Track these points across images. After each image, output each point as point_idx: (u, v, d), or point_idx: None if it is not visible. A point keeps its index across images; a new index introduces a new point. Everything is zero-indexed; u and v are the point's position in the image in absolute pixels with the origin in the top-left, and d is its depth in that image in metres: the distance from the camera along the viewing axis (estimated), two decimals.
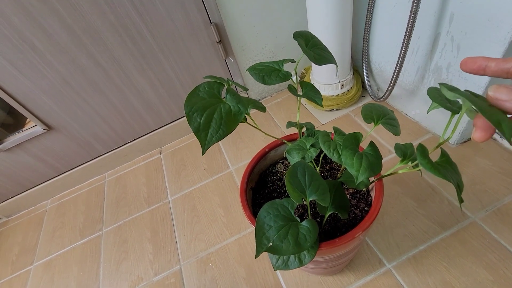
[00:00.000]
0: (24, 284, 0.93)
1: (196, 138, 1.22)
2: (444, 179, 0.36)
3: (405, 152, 0.46)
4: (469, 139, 0.86)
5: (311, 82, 1.14)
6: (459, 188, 0.39)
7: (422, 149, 0.40)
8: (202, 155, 0.36)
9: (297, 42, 0.48)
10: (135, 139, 1.18)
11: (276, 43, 1.13)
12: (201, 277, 0.78)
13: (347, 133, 0.50)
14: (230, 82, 0.43)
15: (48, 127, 1.00)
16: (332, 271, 0.67)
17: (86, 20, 0.83)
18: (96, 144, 1.12)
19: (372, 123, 0.47)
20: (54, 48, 0.84)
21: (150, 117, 1.14)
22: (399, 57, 0.79)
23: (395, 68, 0.82)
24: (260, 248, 0.39)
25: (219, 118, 0.36)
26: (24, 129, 1.00)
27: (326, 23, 0.87)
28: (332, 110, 1.11)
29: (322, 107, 1.07)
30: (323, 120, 1.09)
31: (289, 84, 0.53)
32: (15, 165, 1.05)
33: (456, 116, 0.38)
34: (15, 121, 1.09)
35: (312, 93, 0.53)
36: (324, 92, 1.08)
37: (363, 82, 1.11)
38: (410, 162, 0.46)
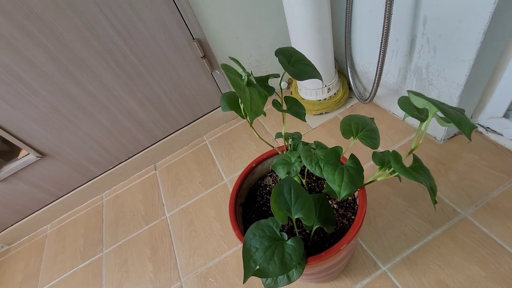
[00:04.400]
0: None
1: (189, 150, 1.23)
2: (417, 181, 0.38)
3: (382, 160, 0.47)
4: (455, 135, 0.87)
5: (298, 87, 1.15)
6: (432, 190, 0.40)
7: (395, 155, 0.41)
8: (250, 125, 0.42)
9: (278, 60, 0.50)
10: (129, 158, 1.19)
11: (260, 52, 1.14)
12: None
13: (328, 147, 0.51)
14: (251, 76, 0.46)
15: (42, 154, 1.01)
16: (327, 278, 0.68)
17: (70, 49, 0.84)
18: (90, 166, 1.14)
19: (352, 136, 0.48)
20: (41, 79, 0.86)
21: (142, 135, 1.15)
22: (378, 60, 0.80)
23: (377, 70, 0.84)
24: (247, 272, 0.40)
25: (254, 96, 0.42)
26: (18, 158, 1.01)
27: (306, 29, 0.88)
28: (321, 114, 1.13)
29: (305, 121, 1.08)
30: (313, 124, 1.10)
31: (273, 100, 0.55)
32: (12, 193, 1.06)
33: (425, 123, 0.39)
34: (10, 148, 1.10)
35: (296, 108, 0.54)
36: (311, 97, 1.10)
37: (349, 84, 1.12)
38: (387, 169, 0.47)
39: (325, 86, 1.05)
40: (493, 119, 0.80)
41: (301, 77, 0.50)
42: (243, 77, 0.45)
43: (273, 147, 0.62)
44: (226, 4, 0.96)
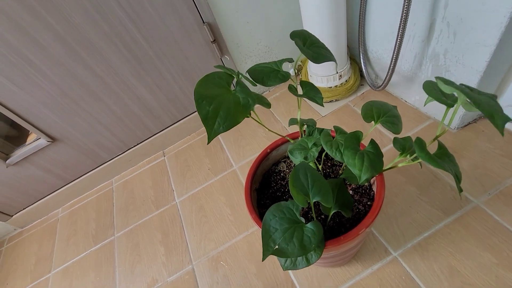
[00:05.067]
0: None
1: (198, 137, 1.23)
2: (443, 169, 0.37)
3: (403, 146, 0.47)
4: (469, 123, 0.86)
5: (309, 74, 1.13)
6: (458, 178, 0.40)
7: (420, 142, 0.41)
8: (208, 143, 0.38)
9: (295, 42, 0.49)
10: (138, 144, 1.20)
11: (270, 37, 1.12)
12: (214, 275, 0.81)
13: (348, 132, 0.50)
14: (240, 75, 0.44)
15: (52, 139, 1.01)
16: (340, 263, 0.69)
17: (79, 31, 0.83)
18: (100, 151, 1.14)
19: (372, 121, 0.47)
20: (50, 61, 0.85)
21: (150, 121, 1.15)
22: (395, 45, 0.79)
23: (392, 56, 0.82)
24: (266, 251, 0.41)
25: (228, 108, 0.38)
26: (28, 142, 1.02)
27: (320, 13, 0.86)
28: (331, 101, 1.11)
29: (323, 106, 1.06)
30: (323, 112, 1.09)
31: (289, 85, 0.54)
32: (24, 178, 1.08)
33: (452, 108, 0.39)
34: (19, 133, 1.11)
35: (312, 93, 0.53)
36: (322, 84, 1.08)
37: (361, 71, 1.10)
38: (409, 155, 0.46)
39: (337, 72, 1.04)
40: (510, 107, 0.79)
41: (319, 60, 0.49)
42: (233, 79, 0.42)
43: (284, 136, 0.62)
44: None
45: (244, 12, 1.00)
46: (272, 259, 0.78)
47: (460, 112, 0.81)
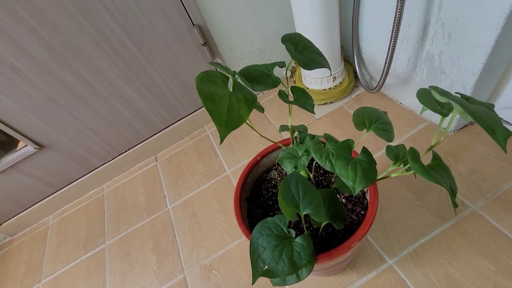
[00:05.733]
0: None
1: (190, 141, 1.20)
2: (437, 183, 0.35)
3: (397, 155, 0.45)
4: (465, 125, 0.85)
5: (302, 76, 1.11)
6: (453, 192, 0.38)
7: (413, 152, 0.39)
8: (221, 143, 0.36)
9: (285, 47, 0.47)
10: (129, 149, 1.17)
11: (263, 39, 1.10)
12: (206, 285, 0.79)
13: (339, 140, 0.48)
14: (236, 76, 0.42)
15: (40, 146, 0.98)
16: (334, 273, 0.67)
17: (64, 36, 0.80)
18: (90, 157, 1.12)
19: (364, 129, 0.45)
20: (35, 67, 0.82)
21: (142, 126, 1.12)
22: (389, 47, 0.77)
23: (386, 58, 0.80)
24: (256, 272, 0.39)
25: (233, 106, 0.36)
26: (16, 149, 0.99)
27: (312, 14, 0.84)
28: (325, 103, 1.09)
29: (314, 113, 1.05)
30: (317, 115, 1.07)
31: (279, 90, 0.52)
32: (12, 185, 1.05)
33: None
34: (8, 139, 1.08)
35: (303, 99, 0.51)
36: (316, 86, 1.06)
37: (355, 73, 1.08)
38: (402, 165, 0.45)
39: (331, 75, 1.02)
40: (507, 109, 0.77)
41: (310, 66, 0.47)
42: (228, 80, 0.40)
43: (275, 143, 0.60)
44: None
45: (235, 14, 0.98)
46: None
47: (456, 114, 0.79)
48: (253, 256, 0.40)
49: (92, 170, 1.16)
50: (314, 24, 0.86)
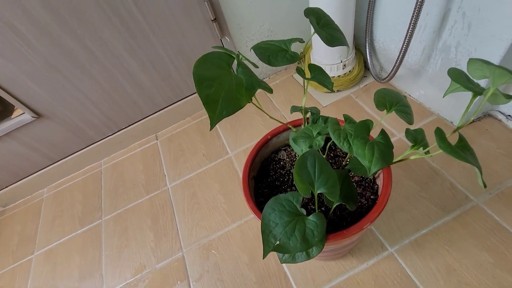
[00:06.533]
0: (26, 273, 0.93)
1: (193, 121, 1.18)
2: (467, 162, 0.35)
3: (415, 138, 0.44)
4: (473, 121, 0.84)
5: (311, 62, 1.09)
6: (480, 172, 0.37)
7: (440, 132, 0.38)
8: (211, 130, 0.34)
9: (309, 20, 0.45)
10: (129, 125, 1.14)
11: (274, 20, 1.06)
12: (204, 264, 0.79)
13: (357, 121, 0.47)
14: (241, 56, 0.39)
15: (37, 115, 0.95)
16: (335, 257, 0.67)
17: None
18: (88, 130, 1.08)
19: (384, 110, 0.44)
20: (36, 29, 0.78)
21: (143, 102, 1.09)
22: (406, 35, 0.75)
23: (402, 47, 0.78)
24: (267, 247, 0.38)
25: (230, 90, 0.34)
26: (12, 117, 0.95)
27: None
28: (333, 92, 1.08)
29: (333, 91, 1.03)
30: (324, 102, 1.06)
31: (297, 66, 0.50)
32: (7, 154, 1.02)
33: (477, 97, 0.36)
34: (2, 108, 1.04)
35: (322, 77, 0.49)
36: None
37: (365, 62, 1.07)
38: (421, 148, 0.44)
39: (341, 62, 1.00)
40: None
41: (333, 43, 0.45)
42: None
43: (285, 124, 0.58)
44: None
45: None
46: None
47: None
48: (265, 231, 0.39)
49: (90, 145, 1.13)
50: (330, 8, 0.84)
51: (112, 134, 1.13)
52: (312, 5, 0.88)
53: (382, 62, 1.02)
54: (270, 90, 0.51)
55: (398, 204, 0.75)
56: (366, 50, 1.02)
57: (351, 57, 1.01)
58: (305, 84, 0.53)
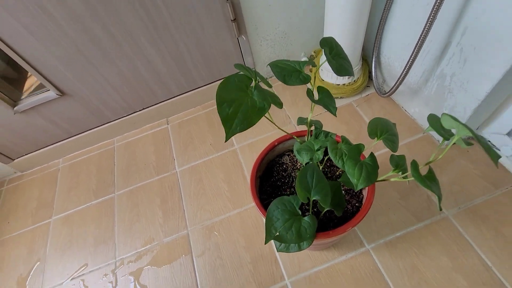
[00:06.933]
0: (45, 234, 1.04)
1: (203, 110, 1.26)
2: (430, 190, 0.44)
3: (398, 163, 0.53)
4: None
5: (320, 68, 1.16)
6: (440, 200, 0.47)
7: (415, 164, 0.47)
8: (226, 141, 0.42)
9: (323, 51, 0.53)
10: (143, 109, 1.22)
11: (289, 23, 1.12)
12: (206, 242, 0.90)
13: (350, 142, 0.56)
14: (258, 78, 0.47)
15: (61, 93, 1.02)
16: (320, 248, 0.79)
17: None
18: (105, 110, 1.16)
19: (376, 137, 0.53)
20: (69, 16, 0.84)
21: (158, 88, 1.16)
22: (410, 56, 0.82)
23: (405, 67, 0.85)
24: (269, 236, 0.48)
25: (245, 111, 0.42)
26: (37, 92, 1.02)
27: (345, 8, 0.85)
28: (336, 98, 1.15)
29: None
30: None
31: (308, 89, 0.58)
32: (29, 125, 1.10)
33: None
34: (18, 76, 1.09)
35: (327, 100, 0.58)
36: (331, 79, 1.11)
37: (369, 73, 1.14)
38: (400, 172, 0.53)
39: None
40: (496, 134, 0.86)
41: (341, 73, 0.53)
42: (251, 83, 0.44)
43: (290, 134, 0.67)
44: None
45: None
46: (261, 236, 0.88)
47: (456, 139, 0.88)
48: (268, 223, 0.49)
49: (106, 123, 1.21)
50: (345, 18, 0.88)
51: (126, 115, 1.21)
52: (327, 12, 0.93)
53: (385, 76, 1.09)
54: (280, 106, 0.59)
55: (379, 209, 0.86)
56: (372, 63, 1.08)
57: (357, 68, 1.08)
58: (312, 106, 0.61)
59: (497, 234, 0.76)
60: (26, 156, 1.21)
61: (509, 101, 0.78)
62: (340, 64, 0.54)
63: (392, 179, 0.52)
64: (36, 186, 1.19)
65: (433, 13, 0.68)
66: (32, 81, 1.05)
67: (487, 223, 0.78)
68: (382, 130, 0.54)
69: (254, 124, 0.43)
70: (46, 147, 1.21)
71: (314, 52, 1.27)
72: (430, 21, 0.71)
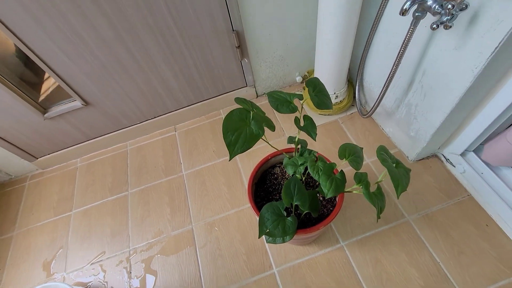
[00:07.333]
0: (67, 225, 1.19)
1: (207, 120, 1.41)
2: (374, 205, 0.61)
3: (360, 179, 0.70)
4: (423, 158, 1.11)
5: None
6: (381, 210, 0.64)
7: (366, 183, 0.64)
8: (230, 160, 0.58)
9: (308, 90, 0.69)
10: (155, 117, 1.37)
11: (286, 49, 1.28)
12: (208, 236, 1.06)
13: (327, 159, 0.73)
14: (254, 108, 0.63)
15: (86, 103, 1.17)
16: (303, 243, 0.96)
17: (128, 21, 0.97)
18: (122, 119, 1.32)
19: (344, 158, 0.70)
20: (99, 42, 0.99)
21: (169, 100, 1.32)
22: (383, 86, 0.98)
23: (380, 93, 1.02)
24: (261, 232, 0.64)
25: (245, 137, 0.59)
26: (65, 101, 1.17)
27: (331, 41, 1.01)
28: (324, 115, 1.32)
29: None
30: (316, 122, 1.30)
31: (295, 117, 0.74)
32: (55, 130, 1.25)
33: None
34: (38, 80, 1.22)
35: (310, 127, 0.74)
36: None
37: (354, 94, 1.31)
38: (362, 186, 0.70)
39: (334, 93, 1.24)
40: (452, 154, 1.04)
41: (321, 107, 0.69)
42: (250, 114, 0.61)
43: (280, 151, 0.83)
44: (268, 7, 1.08)
45: (269, 27, 1.15)
46: (254, 232, 1.04)
47: (417, 150, 1.05)
48: (261, 222, 0.65)
49: (121, 129, 1.36)
50: (332, 48, 1.04)
51: (139, 123, 1.37)
52: (318, 41, 1.09)
53: (367, 98, 1.26)
54: (273, 129, 0.76)
55: (354, 213, 1.03)
56: (356, 85, 1.26)
57: (343, 90, 1.25)
58: (298, 132, 0.77)
59: (447, 236, 0.94)
60: (48, 155, 1.36)
61: (461, 129, 0.95)
62: (321, 100, 0.70)
63: (354, 192, 0.69)
64: (57, 183, 1.34)
65: (399, 56, 0.85)
66: (57, 90, 1.19)
67: (439, 227, 0.95)
68: (349, 153, 0.70)
69: (251, 147, 0.59)
70: (66, 148, 1.36)
71: (308, 72, 1.44)
72: (397, 61, 0.87)
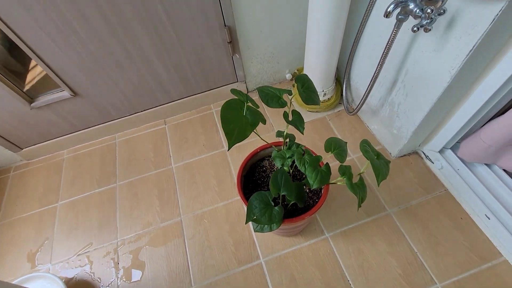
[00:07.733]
0: (53, 217, 1.18)
1: (197, 114, 1.41)
2: (354, 194, 0.65)
3: (344, 171, 0.74)
4: (404, 155, 1.17)
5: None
6: (362, 200, 0.67)
7: (349, 174, 0.68)
8: (228, 150, 0.60)
9: (296, 86, 0.72)
10: (144, 110, 1.37)
11: (277, 45, 1.31)
12: (197, 228, 1.08)
13: (313, 153, 0.76)
14: (249, 101, 0.65)
15: (75, 93, 1.16)
16: (289, 234, 0.99)
17: (122, 13, 0.97)
18: (111, 110, 1.31)
19: (329, 152, 0.73)
20: (91, 33, 0.99)
21: (160, 94, 1.32)
22: (369, 85, 1.03)
23: (365, 92, 1.07)
24: (249, 218, 0.67)
25: (242, 126, 0.61)
26: (53, 91, 1.16)
27: (323, 36, 1.03)
28: (312, 112, 1.36)
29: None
30: (305, 119, 1.34)
31: (284, 111, 0.77)
32: (42, 120, 1.23)
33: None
34: (24, 70, 1.19)
35: (298, 122, 0.77)
36: None
37: (341, 92, 1.35)
38: (345, 178, 0.74)
39: (323, 91, 1.28)
40: (431, 151, 1.10)
41: (308, 103, 0.72)
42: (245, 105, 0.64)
43: (270, 144, 0.86)
44: (260, 3, 1.10)
45: (260, 23, 1.18)
46: (242, 224, 1.06)
47: (399, 147, 1.11)
48: (249, 209, 0.68)
49: (110, 121, 1.35)
50: (321, 46, 1.08)
51: (129, 115, 1.36)
52: (308, 40, 1.12)
53: (354, 96, 1.31)
54: (264, 122, 0.78)
55: (339, 205, 1.07)
56: (343, 84, 1.30)
57: (331, 88, 1.29)
58: (287, 126, 0.80)
59: (424, 229, 0.99)
60: (34, 146, 1.33)
61: (439, 127, 1.01)
62: (308, 95, 0.73)
63: (339, 183, 0.73)
64: (42, 174, 1.32)
65: (383, 56, 0.89)
66: (44, 79, 1.17)
67: (418, 220, 1.01)
68: (335, 146, 0.74)
69: (248, 136, 0.62)
70: (53, 139, 1.34)
71: (297, 69, 1.47)
72: (381, 61, 0.92)
